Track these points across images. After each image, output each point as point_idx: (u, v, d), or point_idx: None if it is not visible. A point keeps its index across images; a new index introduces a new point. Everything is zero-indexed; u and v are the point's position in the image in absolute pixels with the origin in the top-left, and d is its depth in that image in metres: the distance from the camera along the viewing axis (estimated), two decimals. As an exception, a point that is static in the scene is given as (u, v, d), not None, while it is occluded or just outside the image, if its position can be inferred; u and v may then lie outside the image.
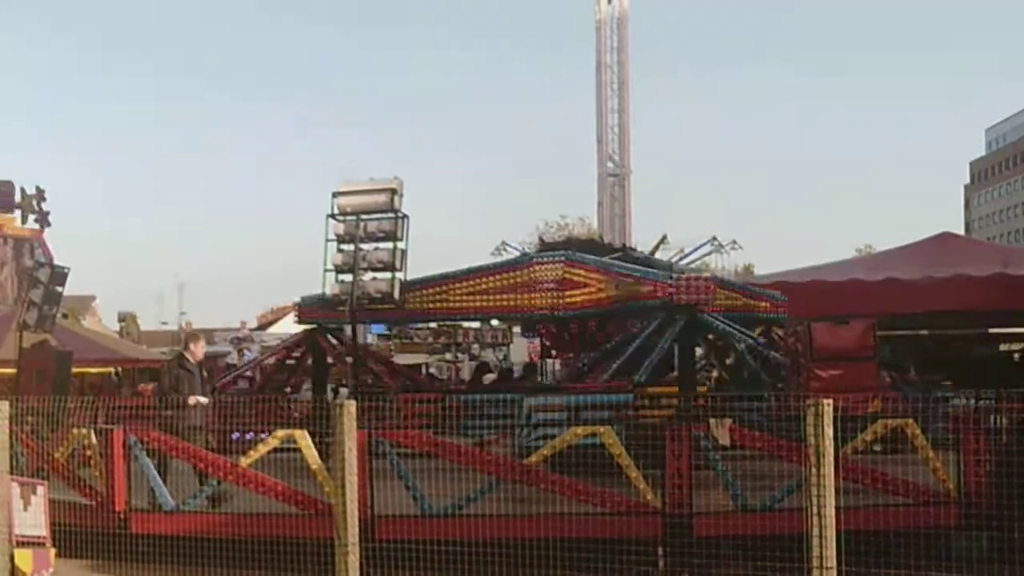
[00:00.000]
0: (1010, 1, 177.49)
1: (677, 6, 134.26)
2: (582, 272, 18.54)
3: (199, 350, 15.36)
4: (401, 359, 40.25)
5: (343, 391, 19.74)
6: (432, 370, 49.12)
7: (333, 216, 17.07)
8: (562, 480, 12.49)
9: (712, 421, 12.34)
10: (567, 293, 18.48)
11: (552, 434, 13.47)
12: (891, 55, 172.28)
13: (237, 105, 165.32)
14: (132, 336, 53.94)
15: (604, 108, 45.18)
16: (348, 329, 18.63)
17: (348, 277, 16.86)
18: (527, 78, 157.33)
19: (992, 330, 24.51)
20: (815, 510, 8.01)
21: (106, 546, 12.88)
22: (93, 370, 31.84)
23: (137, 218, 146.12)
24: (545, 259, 18.98)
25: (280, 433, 12.98)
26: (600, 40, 45.41)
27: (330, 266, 17.13)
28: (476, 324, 44.63)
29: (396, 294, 16.90)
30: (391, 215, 16.85)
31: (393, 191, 16.79)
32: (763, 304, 19.43)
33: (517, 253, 23.09)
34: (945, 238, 24.90)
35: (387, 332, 45.34)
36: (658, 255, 24.77)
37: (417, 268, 18.16)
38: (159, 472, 13.56)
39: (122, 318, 57.63)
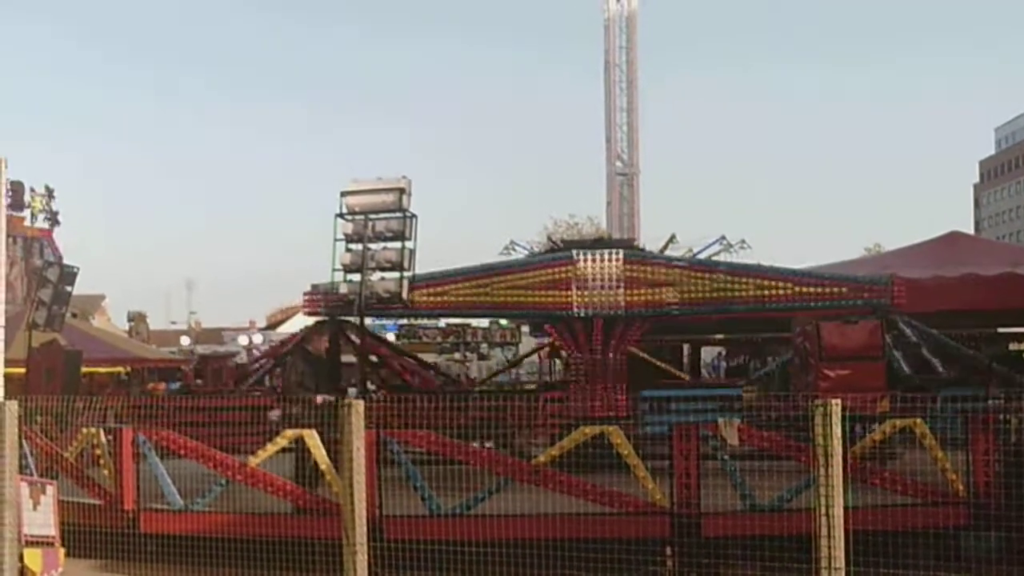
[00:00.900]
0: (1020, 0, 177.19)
1: (686, 4, 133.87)
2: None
3: (321, 344, 15.16)
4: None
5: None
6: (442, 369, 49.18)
7: (341, 215, 17.07)
8: (570, 480, 12.49)
9: (721, 421, 12.34)
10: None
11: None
12: (900, 53, 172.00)
13: (248, 103, 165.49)
14: (141, 335, 53.95)
15: (613, 107, 45.10)
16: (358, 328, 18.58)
17: (356, 276, 16.85)
18: (535, 78, 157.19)
19: (1001, 329, 24.46)
20: (823, 510, 7.99)
21: (115, 546, 12.89)
22: (102, 369, 31.89)
23: (147, 217, 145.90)
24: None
25: (289, 433, 13.01)
26: (609, 39, 45.33)
27: (338, 265, 17.14)
28: (485, 323, 44.75)
29: (404, 293, 16.90)
30: (399, 214, 16.84)
31: (401, 190, 16.79)
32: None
33: (525, 253, 23.01)
34: (954, 237, 24.90)
35: (397, 331, 45.38)
36: (667, 254, 24.82)
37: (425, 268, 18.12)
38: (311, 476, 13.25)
39: (131, 317, 57.59)
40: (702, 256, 22.12)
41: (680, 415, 15.01)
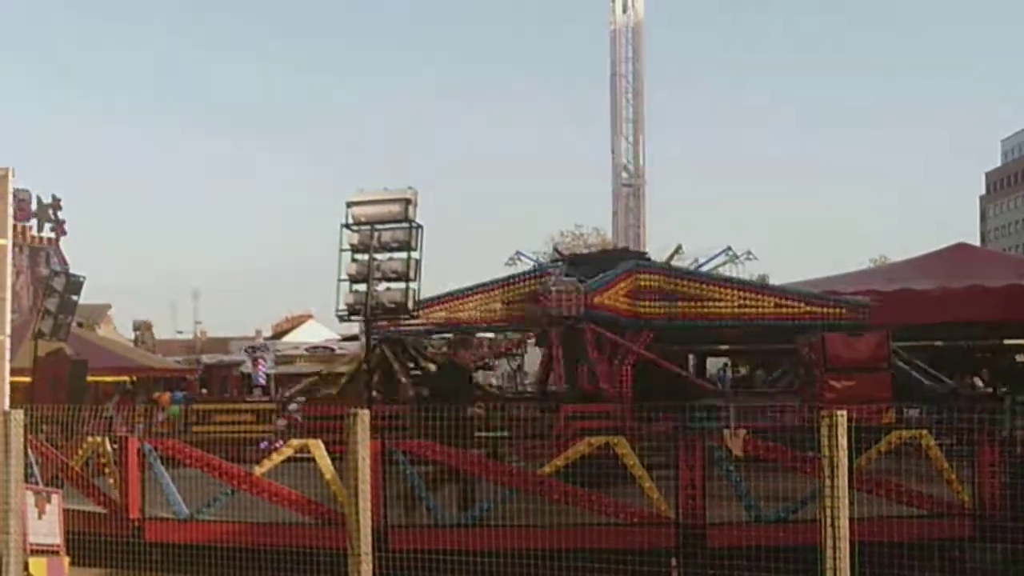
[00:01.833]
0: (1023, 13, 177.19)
1: (693, 15, 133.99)
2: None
3: (469, 355, 15.18)
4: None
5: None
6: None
7: (347, 226, 17.08)
8: (576, 491, 12.48)
9: (726, 432, 12.33)
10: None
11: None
12: (907, 65, 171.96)
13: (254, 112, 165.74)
14: (147, 345, 54.05)
15: (619, 118, 45.02)
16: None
17: (362, 287, 16.86)
18: (540, 88, 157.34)
19: (1007, 341, 24.45)
20: (829, 521, 7.99)
21: (120, 554, 12.89)
22: (108, 378, 31.93)
23: (153, 226, 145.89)
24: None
25: (295, 442, 13.03)
26: (615, 50, 45.26)
27: (344, 276, 17.14)
28: (491, 334, 44.63)
29: (410, 304, 16.90)
30: (405, 225, 16.84)
31: (408, 201, 16.79)
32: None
33: (531, 264, 23.07)
34: (961, 249, 24.88)
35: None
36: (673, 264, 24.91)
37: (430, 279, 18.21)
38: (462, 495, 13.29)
39: (137, 327, 57.71)
40: (706, 267, 22.11)
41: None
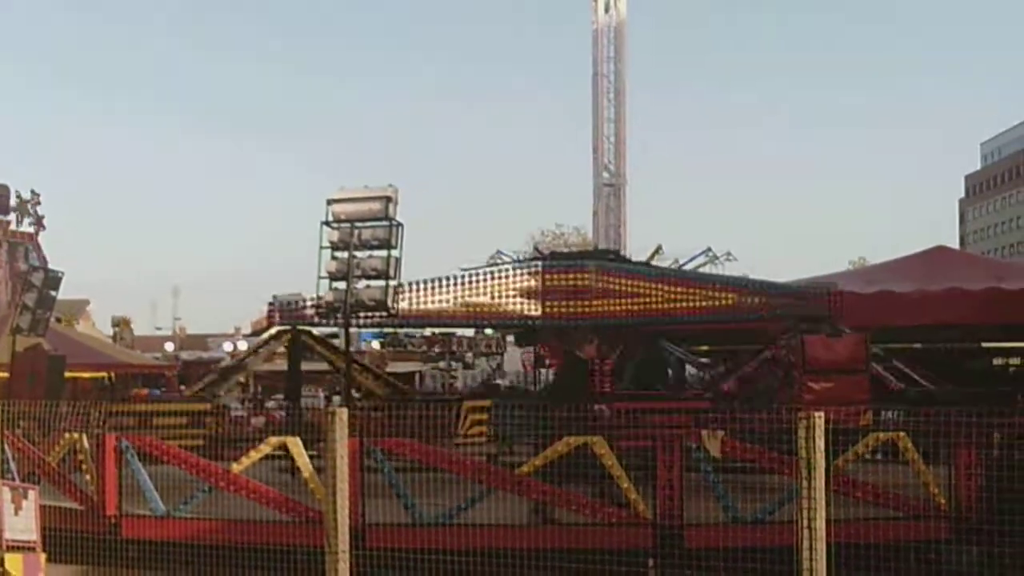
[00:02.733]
0: (1006, 15, 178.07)
1: (675, 15, 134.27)
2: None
3: (591, 350, 15.15)
4: (395, 367, 40.31)
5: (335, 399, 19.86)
6: (427, 379, 49.13)
7: (327, 223, 17.03)
8: (553, 490, 12.49)
9: (704, 433, 12.34)
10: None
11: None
12: (887, 68, 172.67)
13: (236, 110, 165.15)
14: (126, 341, 53.89)
15: (600, 117, 45.03)
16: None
17: (342, 284, 16.83)
18: (521, 87, 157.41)
19: (985, 344, 24.55)
20: (806, 523, 8.01)
21: (97, 551, 12.84)
22: (86, 374, 31.84)
23: (133, 222, 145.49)
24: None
25: (273, 440, 12.99)
26: (597, 49, 45.29)
27: (324, 273, 17.10)
28: (470, 332, 44.65)
29: (389, 302, 16.88)
30: (385, 223, 16.80)
31: (388, 199, 16.75)
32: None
33: (512, 262, 23.05)
34: (939, 251, 24.98)
35: (381, 339, 45.31)
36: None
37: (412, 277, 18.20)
38: None
39: (116, 323, 57.52)
40: (688, 267, 22.15)
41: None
